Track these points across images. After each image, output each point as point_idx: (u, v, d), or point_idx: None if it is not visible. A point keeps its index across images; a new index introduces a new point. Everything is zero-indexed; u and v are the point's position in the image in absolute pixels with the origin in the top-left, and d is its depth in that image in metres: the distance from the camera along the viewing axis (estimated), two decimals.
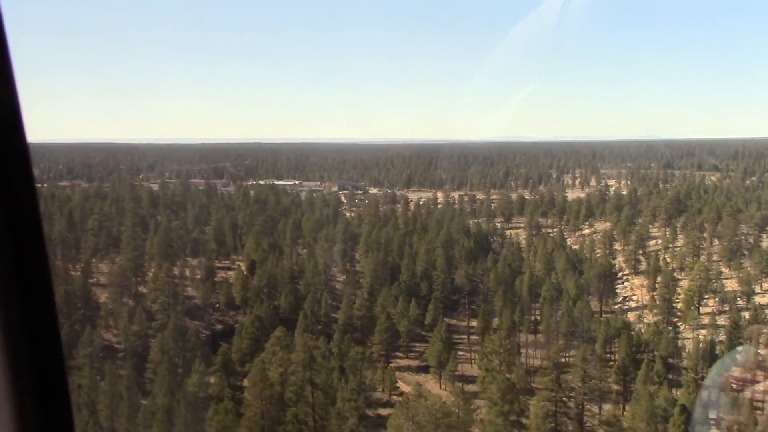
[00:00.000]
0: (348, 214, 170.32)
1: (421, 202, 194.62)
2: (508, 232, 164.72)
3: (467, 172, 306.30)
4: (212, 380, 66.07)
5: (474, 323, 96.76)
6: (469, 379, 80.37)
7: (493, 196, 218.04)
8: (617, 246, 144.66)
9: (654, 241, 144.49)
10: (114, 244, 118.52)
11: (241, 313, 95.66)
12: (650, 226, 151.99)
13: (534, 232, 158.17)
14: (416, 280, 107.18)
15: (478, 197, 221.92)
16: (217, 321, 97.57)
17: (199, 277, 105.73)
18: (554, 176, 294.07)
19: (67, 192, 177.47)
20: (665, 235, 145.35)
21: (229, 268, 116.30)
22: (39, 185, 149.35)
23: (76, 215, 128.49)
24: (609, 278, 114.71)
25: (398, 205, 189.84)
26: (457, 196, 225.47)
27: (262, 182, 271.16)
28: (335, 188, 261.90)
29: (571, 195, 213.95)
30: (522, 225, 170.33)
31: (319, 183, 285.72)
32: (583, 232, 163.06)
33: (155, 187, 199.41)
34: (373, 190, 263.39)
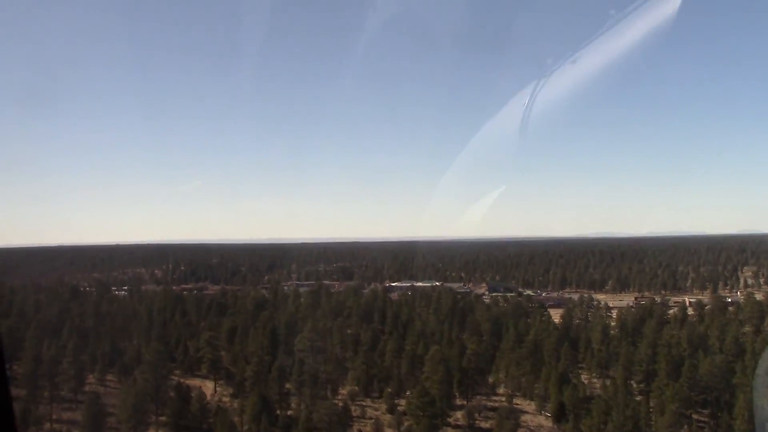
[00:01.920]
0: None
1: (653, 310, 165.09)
2: None
3: (611, 269, 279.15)
4: None
5: None
6: None
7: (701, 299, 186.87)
8: None
9: None
10: None
11: None
12: None
13: None
14: None
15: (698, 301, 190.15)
16: None
17: None
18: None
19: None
20: None
21: None
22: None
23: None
24: None
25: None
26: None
27: (400, 284, 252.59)
28: (484, 290, 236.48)
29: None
30: None
31: (462, 284, 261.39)
32: None
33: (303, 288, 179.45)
34: (528, 292, 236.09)
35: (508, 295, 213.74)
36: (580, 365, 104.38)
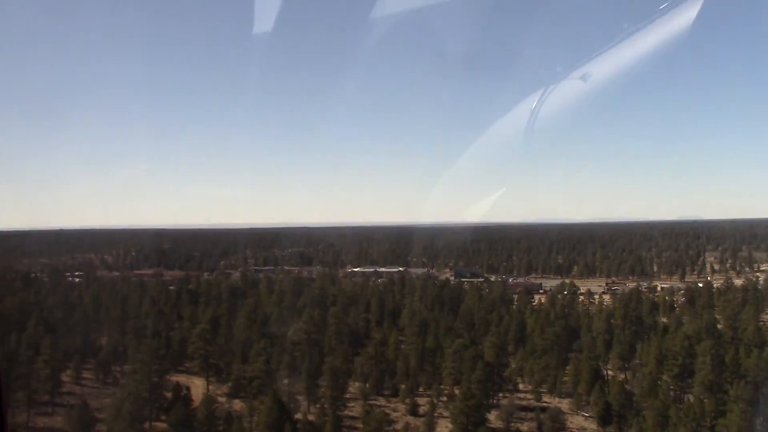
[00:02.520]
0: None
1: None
2: None
3: (573, 254, 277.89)
4: None
5: None
6: None
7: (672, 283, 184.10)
8: None
9: None
10: None
11: None
12: None
13: None
14: None
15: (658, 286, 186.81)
16: None
17: None
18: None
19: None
20: None
21: None
22: None
23: None
24: None
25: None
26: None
27: (361, 269, 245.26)
28: (451, 276, 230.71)
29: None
30: None
31: (426, 270, 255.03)
32: None
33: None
34: (493, 278, 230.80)
35: (475, 281, 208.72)
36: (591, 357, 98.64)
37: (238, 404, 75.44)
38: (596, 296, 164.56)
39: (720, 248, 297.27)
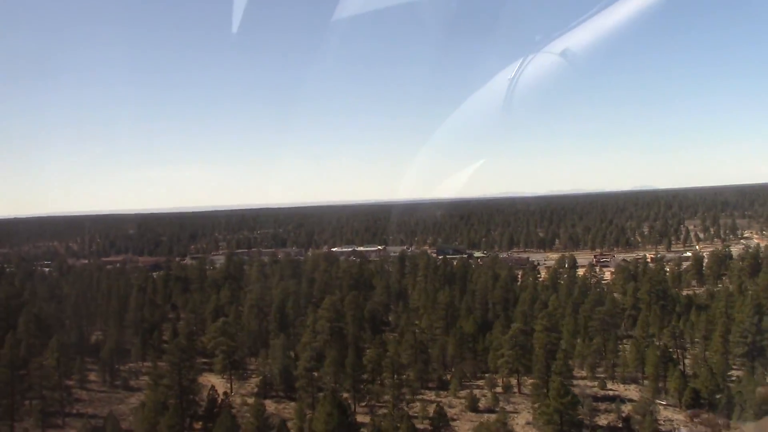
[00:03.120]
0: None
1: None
2: None
3: (551, 228, 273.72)
4: None
5: None
6: None
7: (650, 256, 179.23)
8: None
9: None
10: None
11: None
12: None
13: None
14: None
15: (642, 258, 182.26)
16: None
17: None
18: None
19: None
20: None
21: None
22: None
23: None
24: None
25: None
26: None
27: (339, 249, 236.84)
28: (433, 252, 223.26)
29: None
30: None
31: (406, 247, 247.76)
32: None
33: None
34: (478, 253, 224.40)
35: (458, 256, 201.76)
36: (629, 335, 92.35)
37: (271, 406, 66.64)
38: (596, 270, 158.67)
39: (696, 217, 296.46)
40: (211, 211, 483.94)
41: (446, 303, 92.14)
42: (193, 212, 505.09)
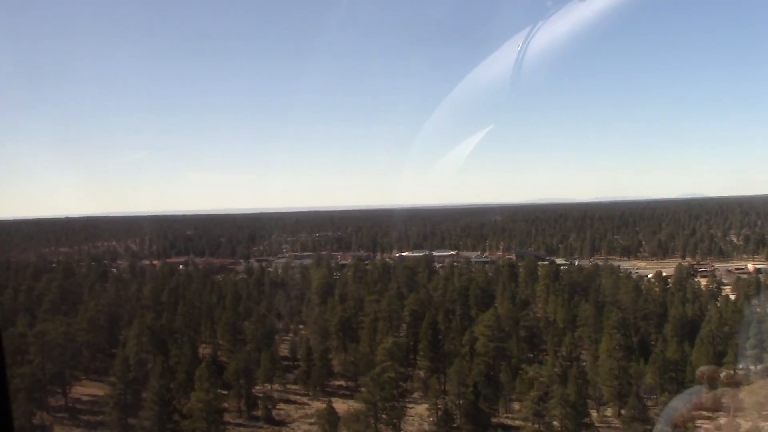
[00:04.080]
0: None
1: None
2: None
3: (632, 235, 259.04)
4: None
5: None
6: None
7: None
8: None
9: None
10: None
11: None
12: None
13: None
14: None
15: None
16: None
17: None
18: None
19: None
20: None
21: None
22: None
23: None
24: None
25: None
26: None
27: (409, 254, 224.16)
28: (513, 258, 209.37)
29: None
30: None
31: (480, 253, 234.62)
32: None
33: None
34: (559, 260, 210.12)
35: (540, 263, 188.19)
36: None
37: None
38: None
39: None
40: (262, 213, 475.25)
41: (616, 322, 78.17)
42: (239, 214, 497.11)
